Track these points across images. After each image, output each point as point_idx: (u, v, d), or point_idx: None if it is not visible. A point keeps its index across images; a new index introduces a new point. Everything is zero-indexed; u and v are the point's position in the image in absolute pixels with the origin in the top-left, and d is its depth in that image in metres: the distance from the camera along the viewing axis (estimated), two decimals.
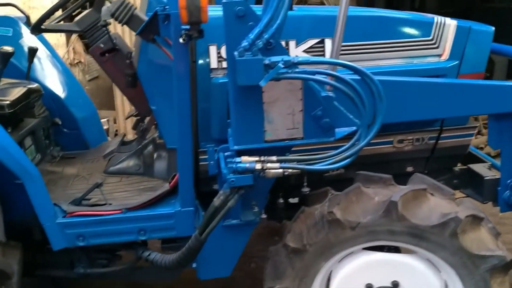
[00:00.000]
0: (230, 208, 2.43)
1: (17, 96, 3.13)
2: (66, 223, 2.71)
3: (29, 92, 3.28)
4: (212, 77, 2.80)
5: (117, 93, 6.72)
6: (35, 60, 3.74)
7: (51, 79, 3.82)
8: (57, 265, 3.01)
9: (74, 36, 8.23)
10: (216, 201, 2.44)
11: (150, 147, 3.17)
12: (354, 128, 2.67)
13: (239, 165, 2.35)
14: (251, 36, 2.23)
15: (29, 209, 2.84)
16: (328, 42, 2.82)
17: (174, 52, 2.49)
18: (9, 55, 2.93)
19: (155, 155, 3.17)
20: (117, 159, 3.31)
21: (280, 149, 2.49)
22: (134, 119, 3.59)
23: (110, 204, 2.81)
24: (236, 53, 2.28)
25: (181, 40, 2.42)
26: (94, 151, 3.75)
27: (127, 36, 6.21)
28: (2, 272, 2.53)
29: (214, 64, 2.79)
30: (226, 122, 2.81)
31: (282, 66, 2.20)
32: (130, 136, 6.35)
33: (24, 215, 2.85)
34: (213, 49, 2.78)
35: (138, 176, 3.17)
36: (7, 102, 3.01)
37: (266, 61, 2.22)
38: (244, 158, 2.40)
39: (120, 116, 6.85)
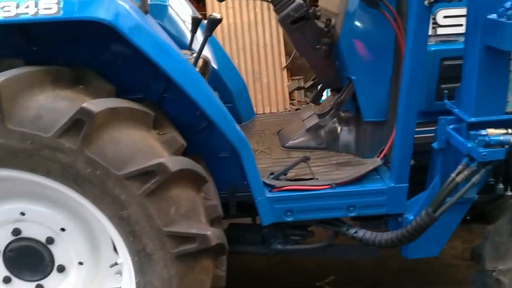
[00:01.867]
0: (474, 184, 2.29)
1: (200, 66, 3.00)
2: (276, 198, 2.60)
3: (206, 63, 3.15)
4: None
5: None
6: (186, 30, 3.61)
7: (204, 49, 3.68)
8: (248, 241, 2.91)
9: None
10: (458, 176, 2.30)
11: (334, 120, 3.02)
12: None
13: (492, 138, 2.20)
14: None
15: (228, 183, 2.75)
16: None
17: (414, 17, 2.32)
18: (217, 22, 2.78)
19: (339, 129, 3.02)
20: (291, 133, 3.17)
21: None
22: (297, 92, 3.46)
23: (317, 179, 2.68)
24: (494, 16, 2.13)
25: (426, 3, 2.27)
26: (250, 125, 3.61)
27: None
28: (221, 247, 2.42)
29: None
30: (434, 92, 2.68)
31: None
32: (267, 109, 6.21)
33: (222, 190, 2.76)
34: None
35: (322, 151, 3.02)
36: None
37: None
38: (490, 131, 2.25)
39: None
